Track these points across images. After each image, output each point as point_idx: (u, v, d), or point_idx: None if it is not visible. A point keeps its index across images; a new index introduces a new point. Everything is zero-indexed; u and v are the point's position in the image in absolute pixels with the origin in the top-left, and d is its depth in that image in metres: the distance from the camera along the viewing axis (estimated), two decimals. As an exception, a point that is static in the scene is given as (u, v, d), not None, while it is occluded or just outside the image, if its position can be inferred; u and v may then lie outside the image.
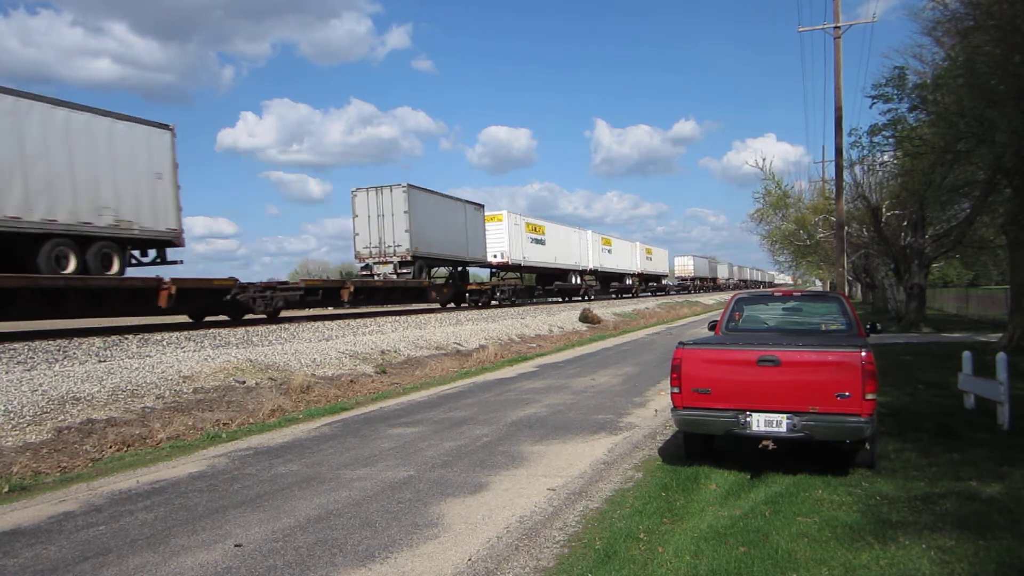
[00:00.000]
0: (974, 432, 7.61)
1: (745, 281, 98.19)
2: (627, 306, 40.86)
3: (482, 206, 32.64)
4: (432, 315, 25.41)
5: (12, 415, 8.54)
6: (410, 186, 25.48)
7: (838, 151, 21.53)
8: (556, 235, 40.59)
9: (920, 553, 4.41)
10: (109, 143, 15.53)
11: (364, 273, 25.92)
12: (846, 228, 23.58)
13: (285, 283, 20.39)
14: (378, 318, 23.19)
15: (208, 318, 19.62)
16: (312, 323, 19.51)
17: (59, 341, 12.80)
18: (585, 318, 29.85)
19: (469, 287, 32.49)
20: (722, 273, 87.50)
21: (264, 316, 19.34)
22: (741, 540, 4.75)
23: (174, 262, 17.91)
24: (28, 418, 8.59)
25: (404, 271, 25.52)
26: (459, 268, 31.35)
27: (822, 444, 6.30)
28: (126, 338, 13.83)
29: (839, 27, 21.51)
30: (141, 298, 15.58)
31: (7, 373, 10.09)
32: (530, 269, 38.38)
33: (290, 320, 20.42)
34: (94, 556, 5.01)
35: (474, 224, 31.50)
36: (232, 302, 17.95)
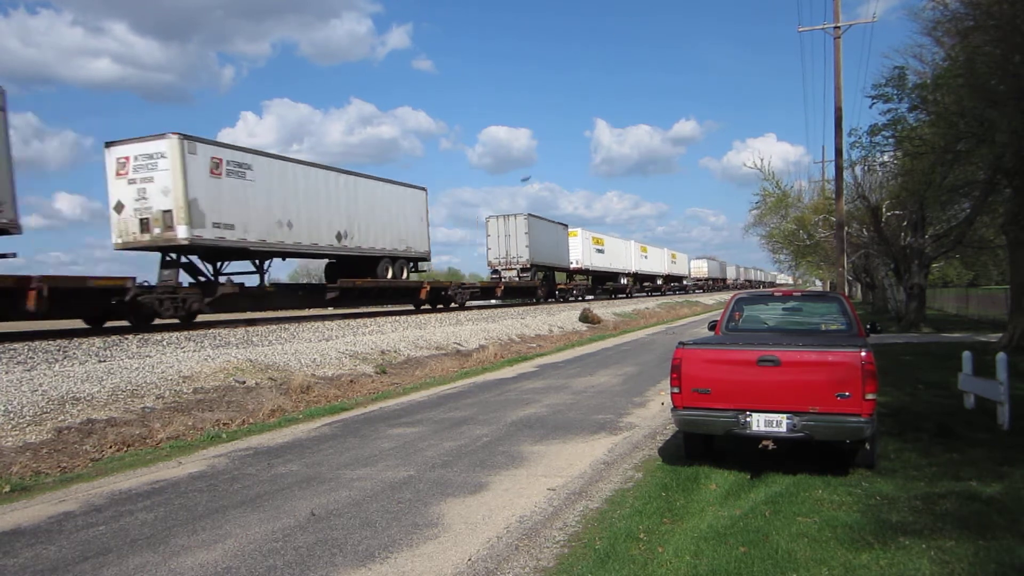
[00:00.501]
0: (974, 432, 7.60)
1: (750, 281, 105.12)
2: (627, 306, 40.84)
3: (566, 225, 42.21)
4: (432, 315, 25.44)
5: (12, 415, 8.54)
6: (529, 215, 36.56)
7: (838, 151, 21.54)
8: (611, 245, 49.97)
9: (920, 553, 4.41)
10: (400, 200, 26.03)
11: (494, 276, 36.38)
12: (846, 228, 23.58)
13: (465, 283, 31.72)
14: (378, 318, 23.19)
15: (109, 324, 16.51)
16: (312, 323, 19.51)
17: (59, 341, 12.80)
18: (585, 318, 29.84)
19: (559, 286, 42.33)
20: (730, 274, 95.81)
21: (176, 321, 16.84)
22: (741, 540, 4.75)
23: (424, 270, 28.62)
24: (28, 418, 8.59)
25: (524, 275, 35.91)
26: (552, 272, 40.70)
27: (822, 444, 6.30)
28: (126, 338, 13.83)
29: (839, 27, 21.51)
30: (406, 293, 26.99)
31: (7, 373, 10.09)
32: (593, 272, 47.34)
33: (289, 321, 20.43)
34: (94, 556, 5.01)
35: (563, 239, 41.56)
36: (129, 305, 15.42)
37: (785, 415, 6.03)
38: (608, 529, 5.16)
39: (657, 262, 61.23)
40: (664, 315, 40.93)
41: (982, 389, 8.45)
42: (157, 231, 16.60)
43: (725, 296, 61.83)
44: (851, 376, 5.82)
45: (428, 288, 27.02)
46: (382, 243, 24.59)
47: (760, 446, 6.44)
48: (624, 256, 52.46)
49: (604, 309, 35.78)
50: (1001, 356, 8.00)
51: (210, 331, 15.99)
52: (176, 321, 17.04)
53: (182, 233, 16.47)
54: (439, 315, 25.54)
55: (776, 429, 6.08)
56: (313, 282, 34.45)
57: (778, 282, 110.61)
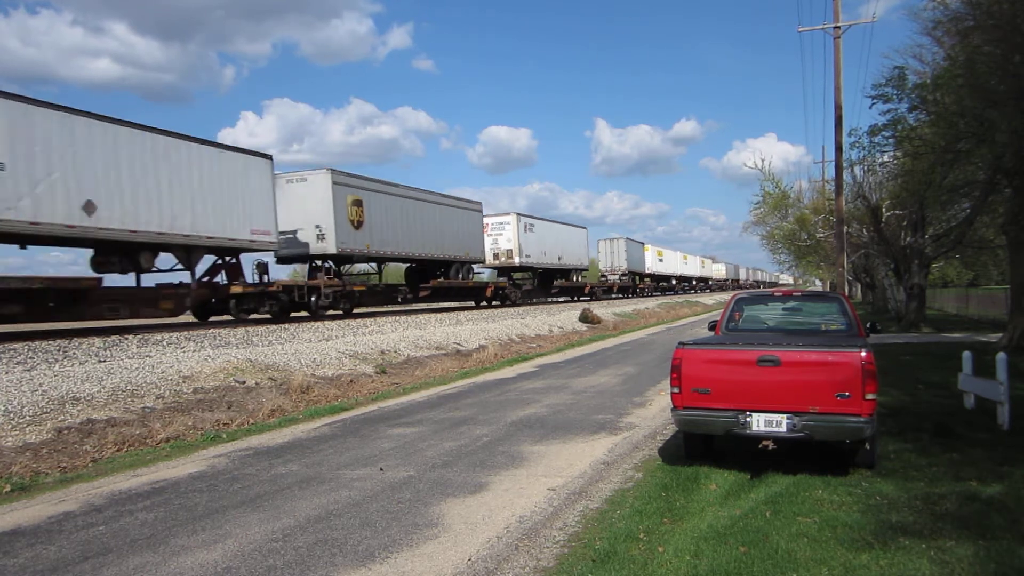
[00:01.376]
0: (974, 432, 7.60)
1: (757, 282, 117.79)
2: (627, 306, 40.84)
3: (642, 243, 58.56)
4: (432, 315, 25.45)
5: (12, 415, 8.54)
6: (627, 238, 53.07)
7: (838, 151, 21.53)
8: (667, 255, 66.32)
9: (920, 553, 4.41)
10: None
11: (602, 279, 51.57)
12: (846, 228, 23.58)
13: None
14: (378, 318, 23.20)
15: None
16: (312, 323, 19.51)
17: (59, 341, 12.81)
18: (585, 318, 29.82)
19: (639, 286, 58.41)
20: (742, 275, 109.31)
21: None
22: (741, 540, 4.75)
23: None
24: (28, 418, 8.59)
25: (624, 277, 52.86)
26: (634, 276, 56.07)
27: (822, 444, 6.30)
28: (126, 338, 13.83)
29: (839, 27, 21.51)
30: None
31: (7, 373, 10.09)
32: (657, 276, 63.56)
33: (291, 320, 20.43)
34: (94, 556, 5.01)
35: (640, 253, 57.12)
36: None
37: (785, 415, 6.02)
38: (608, 529, 5.16)
39: (693, 267, 78.53)
40: (664, 315, 40.91)
41: (982, 389, 8.45)
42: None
43: (725, 296, 62.16)
44: (851, 376, 5.82)
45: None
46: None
47: (760, 446, 6.44)
48: (673, 263, 69.61)
49: (604, 309, 35.77)
50: (1001, 356, 8.00)
51: (210, 331, 15.99)
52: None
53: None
54: (439, 315, 25.54)
55: (776, 429, 6.08)
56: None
57: (780, 281, 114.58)
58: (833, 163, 22.75)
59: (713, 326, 8.54)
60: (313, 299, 21.39)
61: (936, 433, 7.55)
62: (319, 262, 22.90)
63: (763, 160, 35.80)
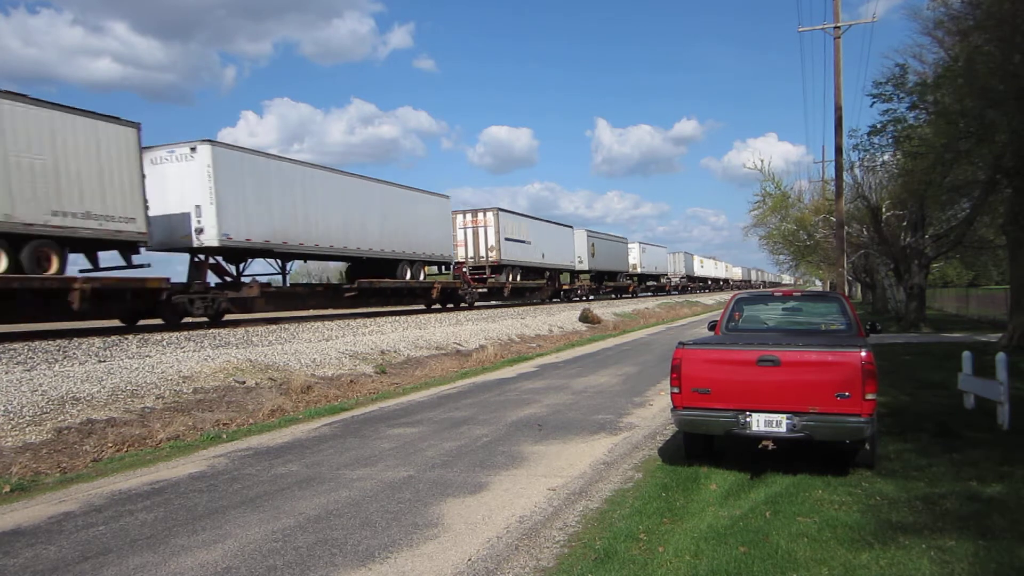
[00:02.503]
0: (974, 432, 7.60)
1: (764, 282, 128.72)
2: (627, 306, 40.83)
3: (664, 247, 67.45)
4: (432, 315, 25.45)
5: (12, 415, 8.53)
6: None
7: (838, 151, 21.53)
8: (708, 263, 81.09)
9: (920, 553, 4.41)
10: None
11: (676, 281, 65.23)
12: (846, 228, 23.57)
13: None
14: (378, 318, 23.19)
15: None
16: (312, 323, 19.51)
17: (59, 341, 12.81)
18: (585, 318, 29.82)
19: (689, 285, 70.02)
20: (753, 276, 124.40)
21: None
22: (741, 540, 4.75)
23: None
24: (28, 418, 8.59)
25: (682, 279, 67.34)
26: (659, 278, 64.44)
27: (822, 444, 6.30)
28: (126, 338, 13.83)
29: (839, 27, 21.51)
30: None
31: (7, 373, 10.08)
32: (702, 277, 78.11)
33: (289, 320, 20.41)
34: (94, 556, 5.01)
35: (662, 253, 65.99)
36: None
37: (785, 415, 6.02)
38: (608, 529, 5.16)
39: (712, 270, 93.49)
40: (664, 315, 40.91)
41: (982, 389, 8.44)
42: None
43: (725, 296, 62.23)
44: (851, 376, 5.82)
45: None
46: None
47: (760, 446, 6.43)
48: (711, 269, 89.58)
49: (604, 309, 35.76)
50: (1001, 356, 8.00)
51: (210, 331, 16.00)
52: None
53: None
54: (439, 315, 25.54)
55: (776, 429, 6.08)
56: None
57: (783, 281, 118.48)
58: (833, 163, 22.78)
59: (713, 326, 8.53)
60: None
61: (936, 433, 7.55)
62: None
63: (763, 160, 35.68)
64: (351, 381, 13.52)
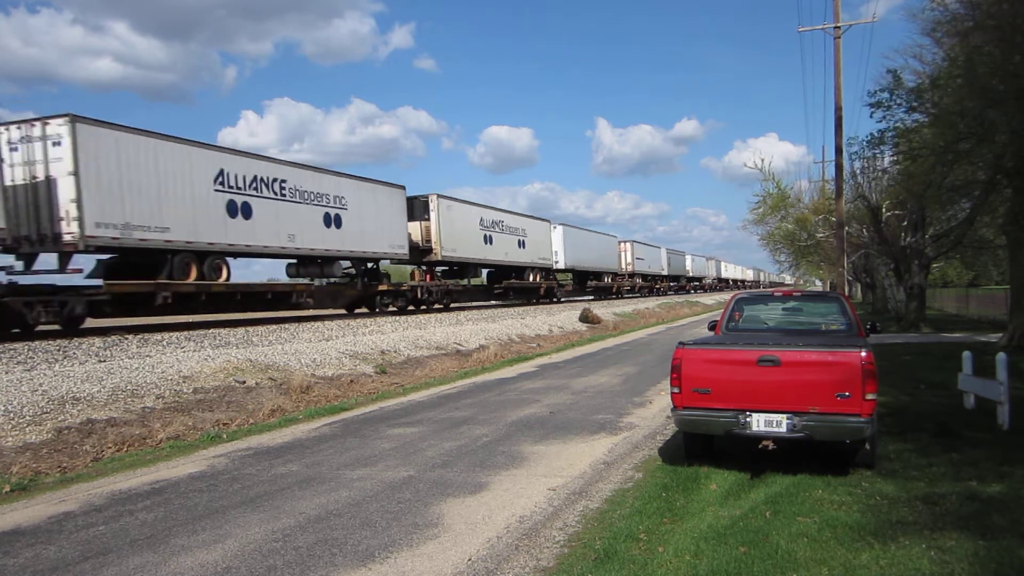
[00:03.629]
0: (974, 432, 7.60)
1: (772, 282, 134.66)
2: (627, 306, 40.81)
3: (683, 253, 71.73)
4: (432, 315, 25.43)
5: (12, 415, 8.53)
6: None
7: (838, 151, 21.53)
8: (731, 266, 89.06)
9: (920, 553, 4.41)
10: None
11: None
12: (846, 228, 23.57)
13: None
14: (378, 318, 23.19)
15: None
16: (312, 323, 19.50)
17: (59, 341, 12.80)
18: (585, 318, 29.82)
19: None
20: (761, 277, 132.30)
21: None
22: (741, 540, 4.75)
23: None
24: (28, 418, 8.59)
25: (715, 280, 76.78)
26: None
27: (822, 444, 6.30)
28: (126, 338, 13.83)
29: (839, 27, 21.50)
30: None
31: (7, 373, 10.08)
32: (725, 279, 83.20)
33: (290, 320, 20.41)
34: (94, 556, 5.01)
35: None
36: None
37: (785, 415, 6.02)
38: (608, 529, 5.16)
39: (733, 271, 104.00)
40: (664, 315, 40.91)
41: (982, 389, 8.44)
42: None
43: (725, 296, 62.30)
44: (851, 376, 5.82)
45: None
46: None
47: (760, 446, 6.44)
48: (732, 271, 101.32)
49: (604, 309, 35.75)
50: (1001, 356, 8.00)
51: (210, 331, 15.99)
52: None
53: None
54: (439, 315, 25.52)
55: (776, 429, 6.08)
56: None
57: (787, 282, 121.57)
58: (833, 163, 22.78)
59: (713, 326, 8.53)
60: None
61: (936, 433, 7.55)
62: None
63: (763, 160, 35.68)
64: (351, 381, 13.52)
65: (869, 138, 16.85)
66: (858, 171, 23.69)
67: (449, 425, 9.53)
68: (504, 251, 33.65)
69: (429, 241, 27.63)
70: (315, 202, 21.62)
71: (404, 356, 16.63)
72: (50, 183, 14.68)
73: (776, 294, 9.24)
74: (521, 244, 35.56)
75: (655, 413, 10.05)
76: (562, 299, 42.83)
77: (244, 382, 11.77)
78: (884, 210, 24.10)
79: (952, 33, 14.34)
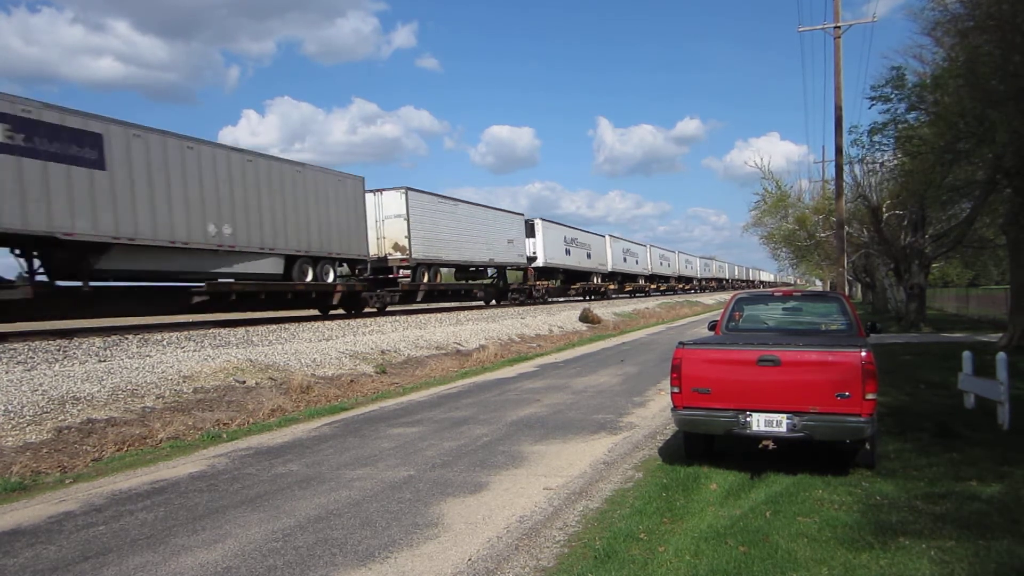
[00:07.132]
0: (974, 432, 7.60)
1: (785, 283, 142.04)
2: (627, 306, 40.82)
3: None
4: (432, 315, 25.42)
5: (12, 415, 8.53)
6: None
7: (838, 151, 21.53)
8: (753, 271, 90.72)
9: (920, 553, 4.41)
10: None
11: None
12: (846, 228, 23.57)
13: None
14: (378, 318, 23.19)
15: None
16: (312, 323, 19.50)
17: (59, 341, 12.80)
18: (585, 318, 29.83)
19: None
20: (750, 276, 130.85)
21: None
22: (741, 540, 4.75)
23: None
24: (28, 418, 8.59)
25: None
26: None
27: (822, 444, 6.30)
28: (126, 338, 13.83)
29: (839, 27, 21.50)
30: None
31: (7, 373, 10.08)
32: (740, 280, 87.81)
33: (290, 320, 20.41)
34: (94, 556, 5.01)
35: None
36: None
37: (785, 415, 6.02)
38: (608, 529, 5.16)
39: (754, 274, 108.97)
40: (664, 315, 40.91)
41: (982, 389, 8.45)
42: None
43: (725, 296, 62.35)
44: (851, 376, 5.82)
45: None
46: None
47: (760, 446, 6.44)
48: (734, 272, 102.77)
49: (604, 309, 35.76)
50: (1001, 356, 8.00)
51: (210, 331, 15.99)
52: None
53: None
54: (439, 315, 25.51)
55: (776, 429, 6.08)
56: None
57: (791, 282, 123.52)
58: (833, 163, 22.78)
59: (713, 326, 8.53)
60: None
61: (936, 433, 7.54)
62: None
63: (763, 159, 35.75)
64: (351, 381, 13.52)
65: (871, 127, 16.79)
66: (858, 167, 23.66)
67: (449, 425, 9.53)
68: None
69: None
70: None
71: (404, 356, 16.63)
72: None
73: (776, 294, 9.24)
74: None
75: (655, 413, 10.05)
76: (612, 296, 51.95)
77: (244, 382, 11.77)
78: (884, 210, 24.10)
79: (952, 33, 14.34)
